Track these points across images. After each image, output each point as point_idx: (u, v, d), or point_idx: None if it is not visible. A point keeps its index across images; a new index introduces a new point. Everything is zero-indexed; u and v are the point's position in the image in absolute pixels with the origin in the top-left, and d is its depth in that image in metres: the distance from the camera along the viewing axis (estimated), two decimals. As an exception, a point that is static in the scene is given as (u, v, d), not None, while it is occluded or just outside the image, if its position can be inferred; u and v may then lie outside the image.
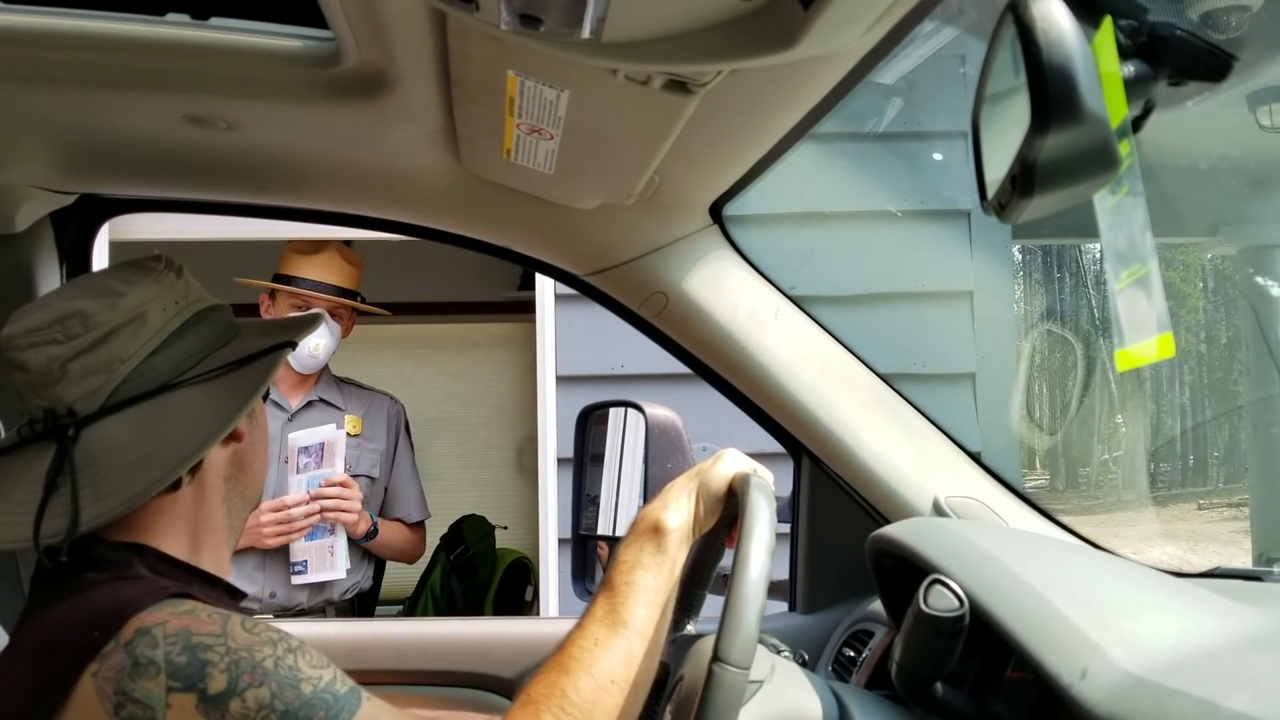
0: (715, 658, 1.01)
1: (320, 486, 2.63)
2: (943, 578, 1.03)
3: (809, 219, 3.17)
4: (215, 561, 1.22)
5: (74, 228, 1.59)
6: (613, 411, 1.96)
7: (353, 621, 2.24)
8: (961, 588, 1.06)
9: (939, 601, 1.01)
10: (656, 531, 1.15)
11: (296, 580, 2.64)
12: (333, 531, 2.66)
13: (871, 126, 3.15)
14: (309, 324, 1.32)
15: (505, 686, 1.70)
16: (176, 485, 1.16)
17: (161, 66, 1.15)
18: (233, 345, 1.23)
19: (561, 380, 3.17)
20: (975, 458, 1.64)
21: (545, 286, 3.18)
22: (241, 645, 1.00)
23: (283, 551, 2.66)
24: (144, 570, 1.11)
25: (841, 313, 2.94)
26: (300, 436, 2.68)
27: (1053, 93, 0.64)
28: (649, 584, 1.13)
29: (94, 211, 1.59)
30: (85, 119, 1.27)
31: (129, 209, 1.61)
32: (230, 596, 1.22)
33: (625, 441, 1.93)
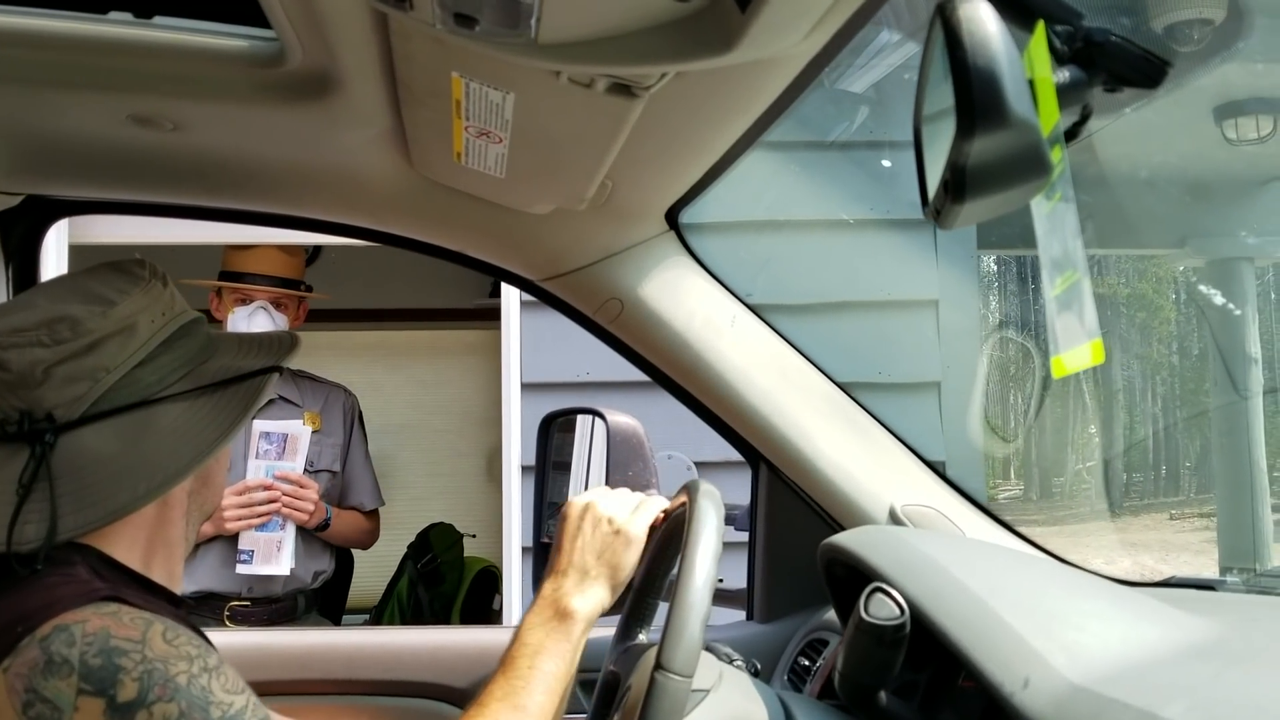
0: (658, 665, 1.01)
1: (276, 478, 2.71)
2: (884, 586, 1.02)
3: (775, 227, 3.17)
4: (167, 574, 1.21)
5: (20, 229, 1.56)
6: (579, 418, 1.95)
7: (303, 631, 2.22)
8: (907, 596, 1.06)
9: (880, 610, 1.01)
10: (565, 617, 1.18)
11: (241, 569, 2.70)
12: (283, 527, 2.72)
13: (838, 135, 3.16)
14: (290, 345, 1.29)
15: (458, 697, 1.68)
16: None
17: (104, 65, 1.13)
18: (214, 361, 1.22)
19: (526, 387, 3.15)
20: (933, 466, 1.64)
21: (510, 293, 3.17)
22: (157, 655, 0.98)
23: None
24: (83, 571, 1.09)
25: (807, 321, 2.94)
26: (265, 424, 2.75)
27: (977, 96, 0.64)
28: (551, 670, 1.15)
29: (41, 213, 1.57)
30: (27, 118, 1.25)
31: (77, 210, 1.58)
32: (171, 604, 1.20)
33: (587, 449, 1.92)
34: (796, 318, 2.87)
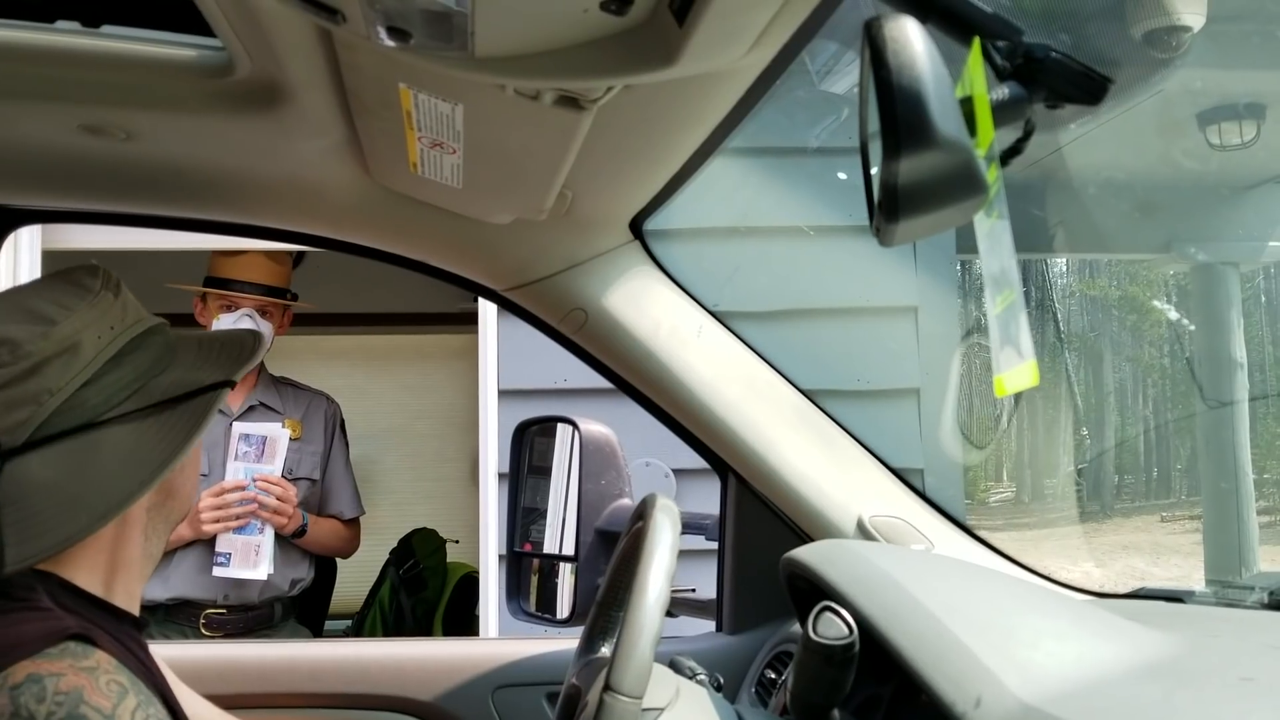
0: (606, 686, 0.99)
1: (256, 482, 2.70)
2: (833, 605, 1.01)
3: (752, 234, 3.16)
4: (127, 595, 1.18)
5: (-22, 238, 1.55)
6: (555, 426, 1.94)
7: (268, 643, 2.21)
8: (861, 612, 1.05)
9: (828, 629, 0.99)
10: None
11: (218, 572, 2.69)
12: (261, 531, 2.71)
13: (813, 140, 3.15)
14: (250, 354, 1.25)
15: (422, 710, 1.67)
16: None
17: (53, 75, 1.12)
18: (168, 375, 1.18)
19: (504, 394, 3.13)
20: (904, 476, 1.63)
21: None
22: None
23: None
24: (47, 601, 1.07)
25: (784, 328, 2.93)
26: (245, 425, 2.76)
27: (901, 116, 0.63)
28: None
29: (-2, 222, 1.56)
30: (-22, 128, 1.24)
31: (34, 220, 1.56)
32: (135, 627, 1.18)
33: (563, 457, 1.91)
34: (773, 325, 2.86)
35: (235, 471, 2.70)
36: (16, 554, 1.05)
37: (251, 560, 2.69)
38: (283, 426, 2.79)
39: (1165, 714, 0.86)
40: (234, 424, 2.75)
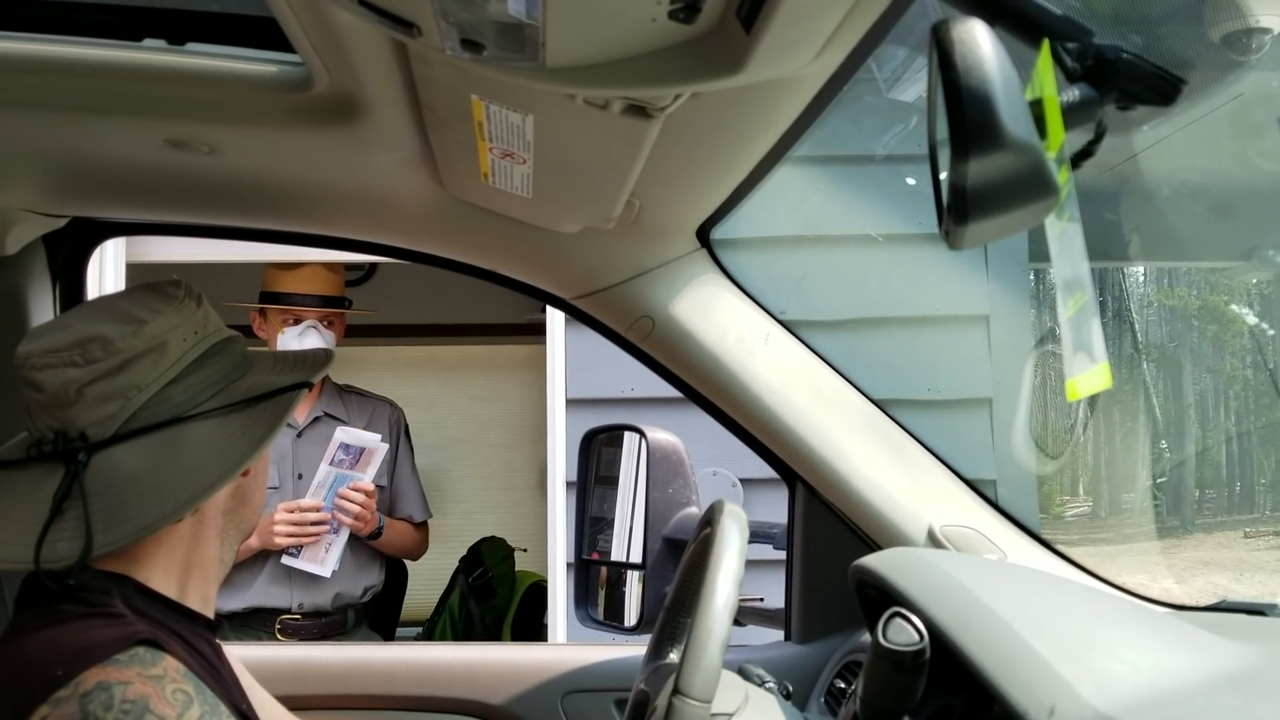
0: (675, 690, 1.00)
1: (347, 489, 2.75)
2: (903, 611, 1.01)
3: (824, 242, 3.15)
4: (201, 599, 1.22)
5: (67, 250, 1.61)
6: (622, 435, 1.95)
7: (341, 645, 2.25)
8: (931, 620, 1.04)
9: (898, 635, 0.99)
10: None
11: (286, 561, 2.75)
12: (335, 531, 2.77)
13: (884, 148, 3.13)
14: (323, 362, 1.31)
15: (492, 713, 1.69)
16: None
17: (140, 91, 1.16)
18: (247, 379, 1.23)
19: (571, 403, 3.16)
20: (976, 486, 1.61)
21: (555, 309, 3.18)
22: None
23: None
24: (121, 606, 1.10)
25: (853, 337, 2.91)
26: (347, 434, 2.81)
27: (970, 118, 0.63)
28: None
29: (87, 234, 1.61)
30: (69, 143, 1.28)
31: (121, 232, 1.62)
32: (208, 629, 1.22)
33: (630, 465, 1.92)
34: (843, 334, 2.84)
35: (326, 475, 2.77)
36: (104, 540, 1.09)
37: (319, 558, 2.75)
38: (383, 439, 2.84)
39: (1245, 725, 0.85)
40: (338, 430, 2.81)
